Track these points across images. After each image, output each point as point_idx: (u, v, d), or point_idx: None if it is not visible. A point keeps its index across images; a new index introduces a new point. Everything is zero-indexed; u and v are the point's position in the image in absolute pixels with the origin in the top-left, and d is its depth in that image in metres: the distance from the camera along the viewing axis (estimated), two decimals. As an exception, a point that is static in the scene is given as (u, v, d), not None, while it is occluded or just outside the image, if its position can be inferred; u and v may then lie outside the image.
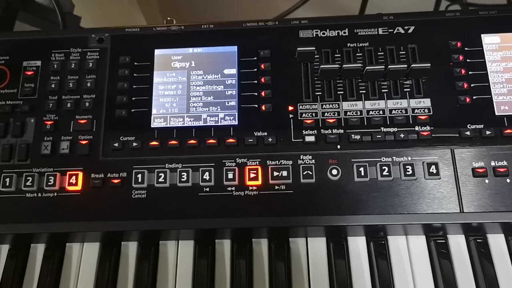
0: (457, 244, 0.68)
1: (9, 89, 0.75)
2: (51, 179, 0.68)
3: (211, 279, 0.66)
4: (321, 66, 0.71)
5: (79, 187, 0.68)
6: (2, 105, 0.73)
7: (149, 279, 0.66)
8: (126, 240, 0.70)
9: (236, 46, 0.76)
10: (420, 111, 0.70)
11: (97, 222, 0.67)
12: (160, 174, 0.68)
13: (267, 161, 0.68)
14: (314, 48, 0.73)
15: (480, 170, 0.67)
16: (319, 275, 0.66)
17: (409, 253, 0.67)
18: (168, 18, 0.88)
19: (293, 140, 0.70)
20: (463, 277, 0.65)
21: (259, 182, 0.67)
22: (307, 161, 0.68)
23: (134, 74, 0.75)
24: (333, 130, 0.70)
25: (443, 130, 0.69)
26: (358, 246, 0.68)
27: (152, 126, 0.72)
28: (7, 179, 0.69)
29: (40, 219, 0.67)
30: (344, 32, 0.76)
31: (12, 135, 0.72)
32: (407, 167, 0.67)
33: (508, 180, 0.66)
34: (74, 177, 0.68)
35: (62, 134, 0.71)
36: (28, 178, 0.69)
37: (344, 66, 0.70)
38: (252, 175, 0.67)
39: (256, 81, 0.73)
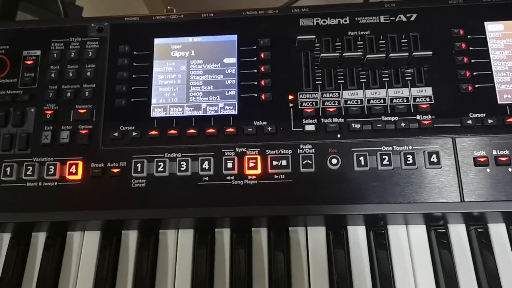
0: (458, 233, 0.67)
1: (9, 78, 0.75)
2: (51, 168, 0.69)
3: (210, 268, 0.67)
4: (322, 55, 0.71)
5: (79, 176, 0.68)
6: (3, 95, 0.74)
7: (149, 267, 0.67)
8: (126, 228, 0.70)
9: (236, 35, 0.75)
10: (421, 99, 0.70)
11: (97, 211, 0.67)
12: (159, 164, 0.68)
13: (267, 151, 0.68)
14: (314, 37, 0.72)
15: (482, 159, 0.66)
16: (319, 264, 0.66)
17: (409, 243, 0.67)
18: (168, 7, 0.88)
19: (293, 129, 0.69)
20: (463, 266, 0.65)
21: (259, 171, 0.67)
22: (307, 150, 0.68)
23: (134, 64, 0.74)
24: (333, 119, 0.69)
25: (445, 119, 0.68)
26: (358, 235, 0.68)
27: (151, 115, 0.71)
28: (8, 169, 0.69)
29: (40, 208, 0.68)
30: (345, 20, 0.75)
31: (12, 125, 0.72)
32: (407, 156, 0.66)
33: (510, 169, 0.66)
34: (74, 167, 0.69)
35: (62, 124, 0.72)
36: (28, 167, 0.69)
37: (344, 54, 0.70)
38: (251, 164, 0.67)
39: (256, 70, 0.73)
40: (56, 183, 0.69)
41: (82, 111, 0.72)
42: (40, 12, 1.03)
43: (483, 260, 0.64)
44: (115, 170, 0.68)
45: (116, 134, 0.70)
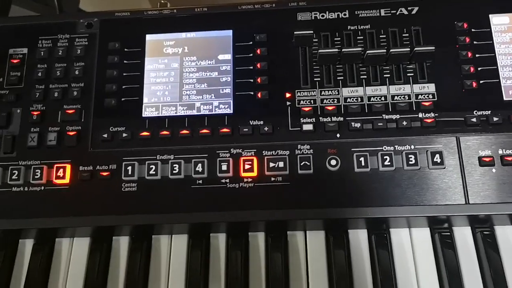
0: (463, 236, 0.65)
1: (-6, 78, 0.72)
2: (37, 172, 0.66)
3: (205, 275, 0.64)
4: (320, 51, 0.68)
5: (67, 180, 0.66)
6: (-12, 95, 0.71)
7: (141, 274, 0.64)
8: (117, 234, 0.68)
9: (231, 30, 0.73)
10: (424, 96, 0.67)
11: (86, 217, 0.65)
12: (151, 166, 0.66)
13: (263, 152, 0.66)
14: (312, 32, 0.70)
15: (487, 159, 0.64)
16: (318, 270, 0.64)
17: (412, 246, 0.65)
18: (162, 1, 0.85)
19: (290, 129, 0.67)
20: (469, 270, 0.63)
21: (255, 173, 0.65)
22: (305, 151, 0.66)
23: (124, 61, 0.72)
24: (332, 118, 0.67)
25: (448, 117, 0.66)
26: (359, 239, 0.66)
27: (143, 115, 0.69)
28: (-7, 173, 0.67)
29: (27, 214, 0.65)
30: (344, 14, 0.73)
31: (-3, 127, 0.70)
32: (410, 156, 0.64)
33: (516, 169, 0.63)
34: (61, 170, 0.66)
35: (49, 125, 0.69)
36: (14, 171, 0.66)
37: (344, 50, 0.68)
38: (247, 166, 0.65)
39: (252, 67, 0.71)
40: (43, 187, 0.66)
41: (70, 111, 0.69)
42: (35, 6, 1.00)
43: (489, 264, 0.62)
44: (105, 174, 0.66)
45: (105, 135, 0.68)
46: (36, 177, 0.66)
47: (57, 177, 0.66)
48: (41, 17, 0.79)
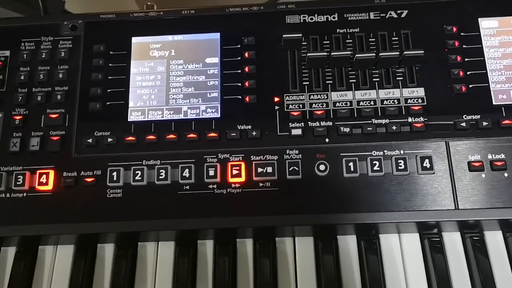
0: (452, 241, 0.65)
1: (-25, 81, 0.71)
2: (20, 178, 0.65)
3: (192, 282, 0.63)
4: (309, 54, 0.68)
5: (50, 187, 0.65)
6: (-32, 99, 0.70)
7: (127, 283, 0.63)
8: (102, 242, 0.67)
9: (218, 33, 0.72)
10: (413, 101, 0.67)
11: (70, 224, 0.64)
12: (137, 172, 0.65)
13: (251, 156, 0.65)
14: (301, 35, 0.69)
15: (476, 164, 0.63)
16: (307, 276, 0.63)
17: (401, 252, 0.65)
18: (148, 3, 0.84)
19: (278, 133, 0.66)
20: (459, 276, 0.63)
21: (243, 179, 0.64)
22: (294, 156, 0.65)
23: (110, 64, 0.71)
24: (321, 122, 0.66)
25: (438, 121, 0.66)
26: (348, 245, 0.65)
27: (129, 120, 0.68)
28: (-26, 179, 0.65)
29: (8, 221, 0.64)
30: (334, 17, 0.72)
31: (-22, 132, 0.68)
32: (399, 161, 0.64)
33: (506, 174, 0.63)
34: (44, 176, 0.65)
35: (32, 130, 0.68)
36: (-5, 177, 0.65)
37: (333, 53, 0.67)
38: (235, 172, 0.64)
39: (239, 71, 0.70)
40: (25, 194, 0.65)
41: (53, 116, 0.68)
42: (19, 7, 0.98)
43: (479, 269, 0.62)
44: (89, 179, 0.65)
45: (90, 140, 0.67)
46: (18, 183, 0.64)
47: (40, 183, 0.65)
48: (24, 19, 0.77)
